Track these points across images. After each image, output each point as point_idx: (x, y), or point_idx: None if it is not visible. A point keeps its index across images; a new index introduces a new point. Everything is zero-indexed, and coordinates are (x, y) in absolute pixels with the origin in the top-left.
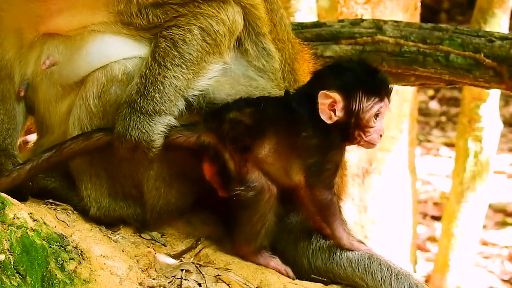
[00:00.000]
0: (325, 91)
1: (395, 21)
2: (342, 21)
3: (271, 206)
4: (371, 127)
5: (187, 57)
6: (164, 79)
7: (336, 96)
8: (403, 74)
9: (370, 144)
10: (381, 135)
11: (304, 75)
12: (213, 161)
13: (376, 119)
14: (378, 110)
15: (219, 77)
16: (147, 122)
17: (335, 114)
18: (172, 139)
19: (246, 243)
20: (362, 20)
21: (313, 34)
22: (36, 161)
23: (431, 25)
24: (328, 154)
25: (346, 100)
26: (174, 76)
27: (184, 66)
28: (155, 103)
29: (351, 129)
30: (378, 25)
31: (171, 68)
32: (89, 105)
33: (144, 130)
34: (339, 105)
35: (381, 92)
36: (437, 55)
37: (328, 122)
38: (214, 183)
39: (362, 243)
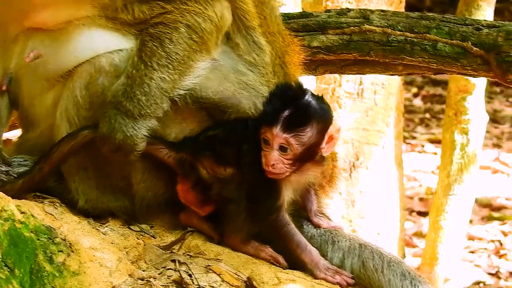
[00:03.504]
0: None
1: (382, 11)
2: (328, 11)
3: None
4: (262, 150)
5: (173, 57)
6: (151, 81)
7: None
8: (391, 64)
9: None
10: (267, 164)
11: (295, 67)
12: (186, 176)
13: (264, 143)
14: (264, 135)
15: (208, 73)
16: (131, 126)
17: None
18: (154, 148)
19: (234, 233)
20: (348, 10)
21: (299, 24)
22: (28, 174)
23: (418, 14)
24: (259, 173)
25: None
26: (160, 78)
27: (170, 67)
28: (141, 106)
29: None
30: (365, 15)
31: (157, 68)
32: (76, 96)
33: (129, 134)
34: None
35: (270, 119)
36: (424, 44)
37: None
38: (190, 203)
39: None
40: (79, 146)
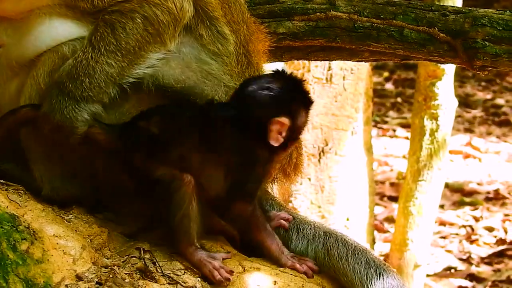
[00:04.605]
0: (276, 118)
1: None
2: None
3: (189, 195)
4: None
5: (123, 45)
6: (96, 64)
7: (285, 120)
8: (357, 50)
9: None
10: None
11: (259, 56)
12: (124, 168)
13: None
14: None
15: (170, 61)
16: (72, 107)
17: (281, 135)
18: (93, 131)
19: (180, 239)
20: None
21: (265, 10)
22: None
23: (384, 0)
24: (253, 171)
25: (292, 120)
26: (107, 62)
27: (119, 54)
28: (84, 88)
29: (290, 144)
30: (331, 1)
31: (105, 53)
32: (39, 84)
33: (68, 116)
34: (286, 127)
35: (311, 102)
36: (391, 30)
37: (275, 145)
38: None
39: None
40: (20, 122)
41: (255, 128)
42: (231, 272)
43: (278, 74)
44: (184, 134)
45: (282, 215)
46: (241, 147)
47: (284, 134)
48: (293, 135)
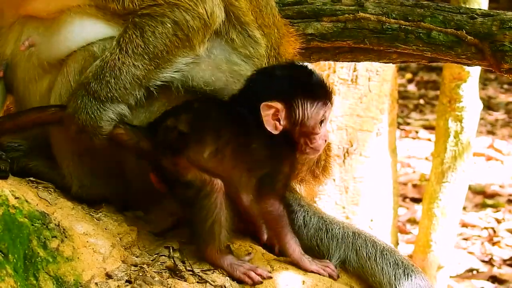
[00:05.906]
0: (267, 102)
1: None
2: None
3: (220, 200)
4: (317, 134)
5: (151, 49)
6: (122, 65)
7: (278, 105)
8: (385, 52)
9: (315, 151)
10: (325, 140)
11: (289, 58)
12: (154, 169)
13: (321, 125)
14: (323, 116)
15: (199, 64)
16: (97, 107)
17: (280, 123)
18: (116, 133)
19: (208, 245)
20: None
21: (294, 11)
22: None
23: (412, 2)
24: (278, 166)
25: (288, 108)
26: (133, 65)
27: (146, 57)
28: (109, 88)
29: (297, 137)
30: (359, 2)
31: (132, 55)
32: (69, 81)
33: (92, 116)
34: (282, 113)
35: (323, 95)
36: (419, 32)
37: (274, 132)
38: (163, 191)
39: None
40: (45, 120)
41: (255, 116)
42: (268, 272)
43: (289, 64)
44: (212, 131)
45: None
46: (259, 141)
47: (282, 121)
48: (298, 125)
